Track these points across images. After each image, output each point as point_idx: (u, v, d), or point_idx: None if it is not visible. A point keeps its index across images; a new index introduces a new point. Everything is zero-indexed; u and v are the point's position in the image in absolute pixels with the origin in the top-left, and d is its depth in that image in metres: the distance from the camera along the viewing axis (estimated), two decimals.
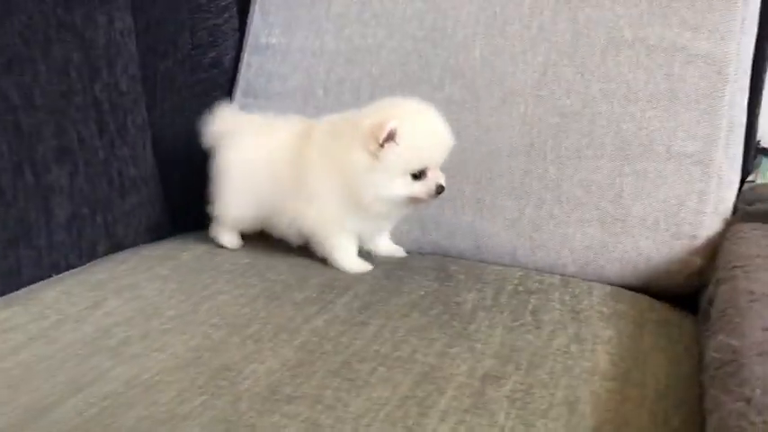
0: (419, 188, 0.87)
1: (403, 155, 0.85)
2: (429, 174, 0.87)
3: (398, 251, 1.01)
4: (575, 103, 0.97)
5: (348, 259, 0.94)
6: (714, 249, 0.89)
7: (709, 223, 0.91)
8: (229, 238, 1.01)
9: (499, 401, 0.62)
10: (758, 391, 0.48)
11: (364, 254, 0.97)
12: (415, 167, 0.86)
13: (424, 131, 0.87)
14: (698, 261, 0.91)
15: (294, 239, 0.96)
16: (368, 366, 0.67)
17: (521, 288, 0.88)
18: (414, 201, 0.89)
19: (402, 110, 0.88)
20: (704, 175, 0.91)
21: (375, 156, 0.85)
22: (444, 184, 0.88)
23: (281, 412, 0.60)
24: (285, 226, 0.95)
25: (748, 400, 0.47)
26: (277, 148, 0.95)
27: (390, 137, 0.84)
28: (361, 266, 0.93)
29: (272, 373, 0.66)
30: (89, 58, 0.97)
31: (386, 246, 1.00)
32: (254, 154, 0.97)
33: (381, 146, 0.84)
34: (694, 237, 0.91)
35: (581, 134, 0.96)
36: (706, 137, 0.92)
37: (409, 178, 0.87)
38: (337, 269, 0.93)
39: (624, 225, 0.93)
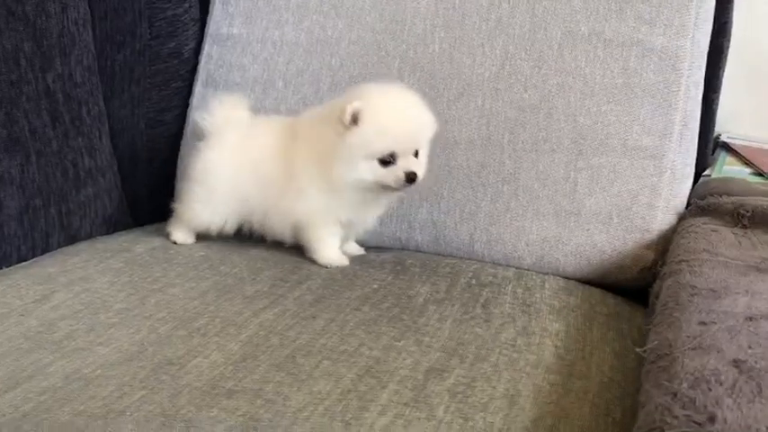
0: (385, 174, 0.86)
1: (365, 138, 0.84)
2: (399, 161, 0.85)
3: (358, 250, 1.00)
4: (532, 96, 0.97)
5: (329, 252, 0.93)
6: (666, 244, 0.89)
7: (662, 217, 0.92)
8: (183, 236, 1.00)
9: (440, 395, 0.62)
10: (685, 385, 0.48)
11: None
12: (380, 152, 0.85)
13: (388, 115, 0.86)
14: (651, 255, 0.91)
15: (282, 237, 0.95)
16: (312, 360, 0.67)
17: (474, 281, 0.88)
18: (383, 187, 0.87)
19: (371, 93, 0.87)
20: (657, 169, 0.92)
21: (342, 139, 0.85)
22: (419, 173, 0.86)
23: (220, 406, 0.59)
24: (274, 224, 0.94)
25: (675, 394, 0.47)
26: (261, 148, 0.94)
27: (354, 120, 0.84)
28: (340, 260, 0.93)
29: (215, 368, 0.66)
30: (41, 47, 0.96)
31: (348, 246, 0.99)
32: (237, 157, 0.96)
33: (347, 129, 0.84)
34: (647, 231, 0.92)
35: (538, 128, 0.96)
36: (660, 131, 0.93)
37: (376, 163, 0.85)
38: (294, 261, 0.92)
39: (578, 219, 0.94)
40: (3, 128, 0.91)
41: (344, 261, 0.93)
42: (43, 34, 0.96)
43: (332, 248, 0.93)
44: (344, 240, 0.97)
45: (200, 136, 1.01)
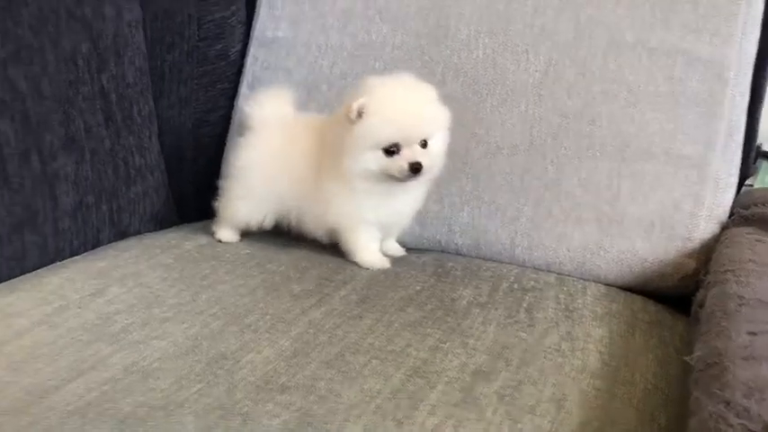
0: (390, 164, 0.87)
1: (369, 129, 0.86)
2: (403, 151, 0.87)
3: (399, 251, 1.01)
4: (575, 103, 0.98)
5: (368, 255, 0.94)
6: (709, 253, 0.90)
7: (705, 226, 0.92)
8: (228, 235, 1.02)
9: (488, 397, 0.63)
10: (738, 394, 0.49)
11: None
12: (384, 142, 0.87)
13: (390, 106, 0.87)
14: (692, 264, 0.92)
15: (319, 237, 0.97)
16: (361, 358, 0.69)
17: (516, 286, 0.89)
18: (389, 177, 0.88)
19: (376, 85, 0.89)
20: (701, 178, 0.92)
21: (349, 132, 0.87)
22: (423, 163, 0.87)
23: (275, 401, 0.61)
24: (311, 223, 0.96)
25: (728, 403, 0.48)
26: (297, 148, 0.96)
27: (360, 112, 0.86)
28: (381, 262, 0.94)
29: (268, 363, 0.68)
30: (97, 48, 0.98)
31: (389, 246, 1.01)
32: (274, 154, 0.98)
33: (354, 123, 0.86)
34: (689, 239, 0.92)
35: (581, 134, 0.97)
36: (704, 140, 0.93)
37: (381, 153, 0.87)
38: (338, 262, 0.94)
39: (620, 226, 0.94)
40: (60, 126, 0.94)
41: (385, 263, 0.94)
42: (99, 36, 0.99)
43: (371, 251, 0.95)
44: (384, 240, 0.99)
45: (241, 131, 1.03)
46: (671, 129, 0.94)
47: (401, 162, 0.87)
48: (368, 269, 0.93)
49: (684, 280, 0.92)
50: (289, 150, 0.97)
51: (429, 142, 0.89)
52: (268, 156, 0.98)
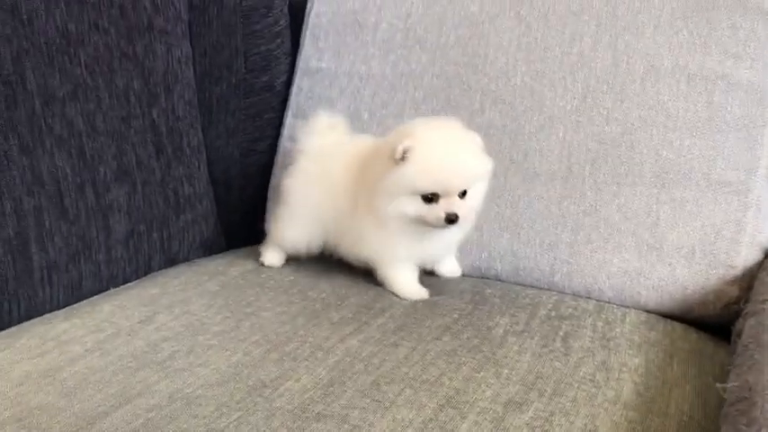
0: (427, 212, 0.87)
1: (409, 175, 0.86)
2: (442, 200, 0.87)
3: (454, 272, 1.01)
4: (614, 129, 0.98)
5: (405, 286, 0.94)
6: (751, 280, 0.89)
7: (747, 253, 0.91)
8: (272, 258, 1.05)
9: (519, 428, 0.64)
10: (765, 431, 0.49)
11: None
12: (423, 190, 0.87)
13: (433, 155, 0.87)
14: (735, 291, 0.91)
15: (358, 264, 0.98)
16: (396, 388, 0.71)
17: (554, 313, 0.90)
18: (425, 223, 0.89)
19: (422, 131, 0.89)
20: (742, 204, 0.91)
21: (389, 173, 0.88)
22: (460, 214, 0.87)
23: (310, 429, 0.63)
24: (348, 252, 0.98)
25: None
26: (339, 175, 0.97)
27: (402, 156, 0.86)
28: (419, 293, 0.94)
29: (305, 391, 0.70)
30: (148, 85, 1.03)
31: (444, 268, 1.01)
32: (319, 180, 0.99)
33: (396, 165, 0.87)
34: (731, 266, 0.91)
35: (619, 161, 0.97)
36: (745, 166, 0.92)
37: (419, 199, 0.87)
38: (378, 290, 0.95)
39: (660, 252, 0.94)
40: (113, 160, 0.99)
41: (423, 294, 0.94)
42: (150, 73, 1.04)
43: (407, 283, 0.95)
44: (431, 264, 0.99)
45: (294, 157, 1.05)
46: (711, 155, 0.93)
47: (438, 211, 0.87)
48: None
49: (727, 308, 0.91)
50: (331, 177, 0.98)
51: (468, 192, 0.89)
52: (313, 182, 1.00)
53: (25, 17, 0.87)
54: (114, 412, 0.66)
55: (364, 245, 0.94)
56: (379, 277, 0.96)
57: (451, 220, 0.87)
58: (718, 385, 0.60)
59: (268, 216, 1.20)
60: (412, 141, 0.87)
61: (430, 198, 0.87)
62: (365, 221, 0.93)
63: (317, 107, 1.18)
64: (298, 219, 1.01)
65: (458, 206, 0.87)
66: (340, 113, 1.15)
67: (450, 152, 0.87)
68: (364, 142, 1.00)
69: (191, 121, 1.12)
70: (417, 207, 0.88)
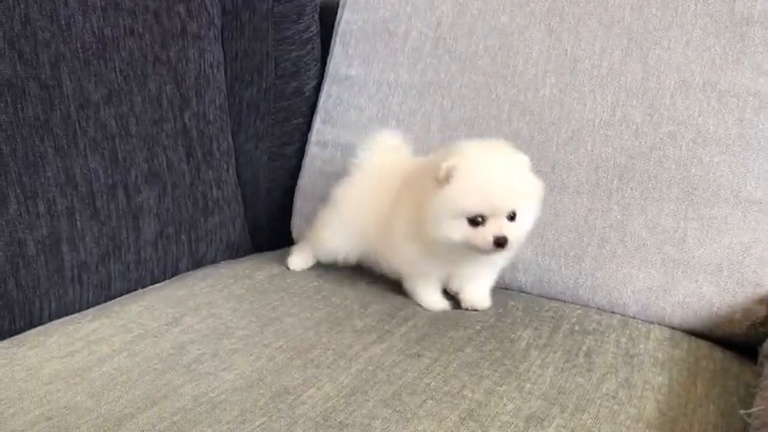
0: (474, 235, 0.84)
1: (455, 197, 0.84)
2: (489, 223, 0.84)
3: (483, 303, 0.94)
4: (642, 144, 0.98)
5: (428, 297, 0.94)
6: None
7: None
8: (299, 262, 1.07)
9: None
10: None
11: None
12: (469, 212, 0.84)
13: (479, 177, 0.84)
14: (763, 310, 0.90)
15: (391, 275, 0.98)
16: (417, 399, 0.71)
17: (577, 328, 0.89)
18: (472, 248, 0.85)
19: (469, 152, 0.86)
20: None
21: (435, 195, 0.85)
22: (510, 237, 0.83)
23: None
24: (383, 266, 0.99)
25: None
26: (387, 189, 0.96)
27: (447, 177, 0.84)
28: (440, 305, 0.93)
29: (327, 399, 0.71)
30: (180, 89, 1.05)
31: (471, 294, 0.95)
32: (365, 194, 1.00)
33: (441, 186, 0.85)
34: (758, 285, 0.90)
35: (647, 176, 0.97)
36: None
37: (465, 222, 0.84)
38: (401, 298, 0.96)
39: (687, 269, 0.93)
40: (144, 162, 1.00)
41: (445, 305, 0.93)
42: (183, 77, 1.05)
43: (430, 293, 0.95)
44: (467, 285, 0.95)
45: (350, 169, 1.05)
46: (741, 172, 0.92)
47: (486, 234, 0.83)
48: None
49: (754, 327, 0.90)
50: (378, 192, 0.98)
51: (518, 215, 0.86)
52: (363, 196, 1.00)
53: (63, 22, 0.89)
54: (140, 414, 0.67)
55: (395, 257, 0.94)
56: (405, 287, 0.97)
57: (500, 243, 0.83)
58: (742, 412, 0.60)
59: (294, 220, 1.22)
60: (457, 160, 0.84)
61: (477, 221, 0.84)
62: (401, 234, 0.92)
63: (345, 113, 1.20)
64: (343, 228, 1.01)
65: (507, 229, 0.84)
66: (367, 121, 1.17)
67: (496, 171, 0.84)
68: (417, 162, 0.97)
69: (221, 126, 1.13)
70: (463, 230, 0.84)
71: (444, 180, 0.84)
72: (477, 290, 0.95)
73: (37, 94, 0.87)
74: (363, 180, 1.02)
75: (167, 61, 1.03)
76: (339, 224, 1.02)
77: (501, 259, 0.94)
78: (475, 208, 0.84)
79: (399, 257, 0.94)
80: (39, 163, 0.88)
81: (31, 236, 0.87)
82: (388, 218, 0.94)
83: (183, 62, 1.05)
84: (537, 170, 1.02)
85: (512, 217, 0.85)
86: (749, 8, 0.94)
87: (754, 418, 0.58)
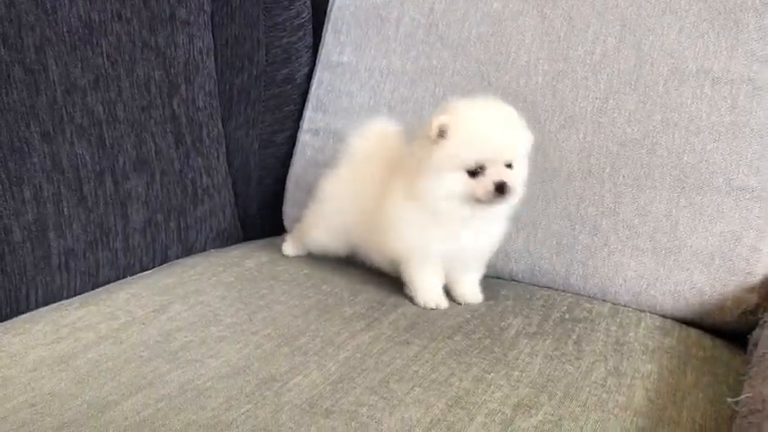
0: (474, 185, 0.83)
1: (452, 149, 0.83)
2: (489, 171, 0.83)
3: (475, 298, 0.93)
4: (635, 131, 0.97)
5: (426, 292, 0.90)
6: None
7: (766, 261, 0.89)
8: (292, 250, 1.06)
9: (527, 431, 0.64)
10: None
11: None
12: (467, 163, 0.83)
13: (474, 126, 0.84)
14: (753, 299, 0.89)
15: (387, 269, 0.95)
16: (405, 386, 0.71)
17: (567, 316, 0.89)
18: (473, 199, 0.84)
19: (458, 107, 0.86)
20: (763, 211, 0.90)
21: (430, 153, 0.84)
22: (510, 183, 0.83)
23: (318, 425, 0.64)
24: (374, 257, 0.96)
25: None
26: (368, 177, 0.95)
27: (441, 134, 0.84)
28: (438, 302, 0.90)
29: (314, 386, 0.70)
30: (169, 75, 1.04)
31: (465, 290, 0.94)
32: (348, 185, 0.98)
33: (435, 143, 0.84)
34: (750, 274, 0.90)
35: (640, 163, 0.96)
36: None
37: (465, 175, 0.84)
38: (391, 286, 0.94)
39: (678, 257, 0.93)
40: (132, 149, 0.99)
41: (443, 303, 0.90)
42: (171, 63, 1.04)
43: (429, 287, 0.91)
44: (459, 281, 0.94)
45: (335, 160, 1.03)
46: (733, 160, 0.92)
47: (486, 183, 0.83)
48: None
49: (745, 315, 0.90)
50: (361, 181, 0.96)
51: (514, 166, 0.86)
52: (346, 187, 0.99)
53: (49, 6, 0.88)
54: (125, 401, 0.67)
55: (392, 240, 0.90)
56: (403, 277, 0.92)
57: (502, 189, 0.83)
58: (729, 400, 0.59)
59: (285, 208, 1.21)
60: (449, 116, 0.84)
61: (476, 172, 0.84)
62: (396, 213, 0.89)
63: (337, 100, 1.19)
64: (330, 223, 1.00)
65: (506, 175, 0.84)
66: (359, 108, 1.16)
67: (493, 119, 0.85)
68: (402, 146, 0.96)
69: (210, 112, 1.12)
70: (465, 183, 0.84)
71: (439, 136, 0.84)
72: (470, 283, 0.94)
73: (22, 78, 0.86)
74: (348, 171, 1.00)
75: (155, 47, 1.02)
76: (325, 219, 1.01)
77: (504, 210, 0.90)
78: (475, 157, 0.83)
79: (398, 239, 0.90)
80: (24, 149, 0.87)
81: (17, 222, 0.86)
82: (377, 204, 0.92)
83: (172, 48, 1.04)
84: (529, 158, 1.02)
85: (509, 166, 0.85)
86: None
87: (741, 406, 0.58)
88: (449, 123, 0.84)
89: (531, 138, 0.89)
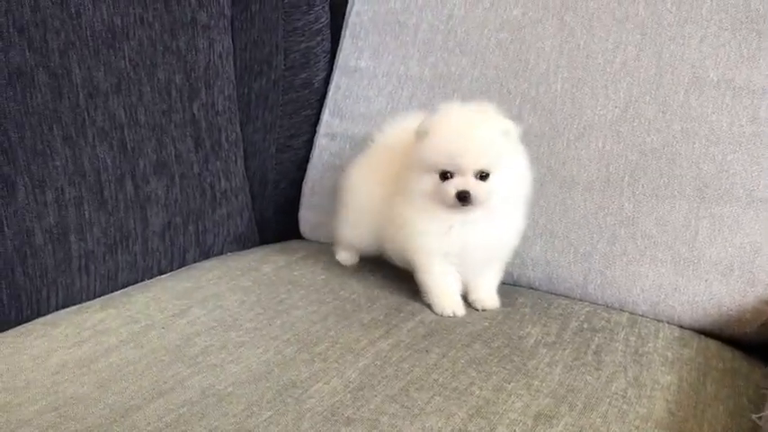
0: (439, 189, 0.86)
1: (427, 152, 0.87)
2: (455, 178, 0.85)
3: (492, 302, 0.93)
4: (655, 140, 0.97)
5: (443, 299, 0.90)
6: None
7: None
8: (345, 256, 1.06)
9: None
10: None
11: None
12: (436, 166, 0.86)
13: (445, 132, 0.86)
14: None
15: (404, 266, 0.95)
16: (425, 395, 0.71)
17: (586, 325, 0.89)
18: (439, 201, 0.86)
19: (447, 111, 0.89)
20: None
21: (413, 151, 0.88)
22: (472, 193, 0.84)
23: None
24: (394, 256, 0.96)
25: None
26: (384, 173, 0.96)
27: (422, 134, 0.87)
28: (455, 309, 0.89)
29: (335, 394, 0.70)
30: (189, 79, 1.04)
31: (481, 295, 0.93)
32: (368, 181, 0.99)
33: (419, 142, 0.88)
34: None
35: (659, 173, 0.96)
36: None
37: (436, 177, 0.86)
38: (409, 292, 0.94)
39: (697, 268, 0.93)
40: (153, 152, 1.00)
41: (459, 310, 0.89)
42: (192, 67, 1.05)
43: (446, 296, 0.90)
44: (475, 288, 0.93)
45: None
46: (754, 170, 0.91)
47: (449, 188, 0.85)
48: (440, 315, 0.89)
49: (764, 327, 0.89)
50: (382, 177, 0.96)
51: (492, 176, 0.86)
52: (363, 181, 0.99)
53: (73, 10, 0.89)
54: (147, 406, 0.67)
55: (402, 239, 0.92)
56: (418, 284, 0.92)
57: (462, 197, 0.84)
58: (753, 416, 0.59)
59: (302, 212, 1.21)
60: (432, 119, 0.88)
61: (446, 176, 0.86)
62: (399, 212, 0.91)
63: (354, 106, 1.19)
64: (352, 219, 1.01)
65: (472, 185, 0.85)
66: (376, 113, 1.16)
67: (464, 128, 0.86)
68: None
69: (229, 116, 1.13)
70: (435, 184, 0.87)
71: (423, 136, 0.87)
72: (487, 289, 0.93)
73: (46, 82, 0.86)
74: (371, 165, 1.00)
75: (177, 51, 1.02)
76: (346, 214, 1.01)
77: (501, 227, 0.90)
78: (441, 163, 0.86)
79: (405, 237, 0.91)
80: (47, 152, 0.87)
81: (39, 225, 0.87)
82: (390, 201, 0.93)
83: (193, 52, 1.05)
84: (547, 166, 1.02)
85: (483, 176, 0.86)
86: (766, 4, 0.93)
87: (764, 421, 0.57)
88: (429, 126, 0.87)
89: (516, 151, 0.89)
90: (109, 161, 0.94)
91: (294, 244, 1.17)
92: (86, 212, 0.92)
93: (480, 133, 0.86)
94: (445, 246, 0.90)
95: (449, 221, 0.89)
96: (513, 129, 0.88)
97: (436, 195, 0.87)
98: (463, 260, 0.91)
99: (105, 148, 0.94)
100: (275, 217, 1.24)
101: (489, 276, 0.94)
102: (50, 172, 0.88)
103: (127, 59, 0.95)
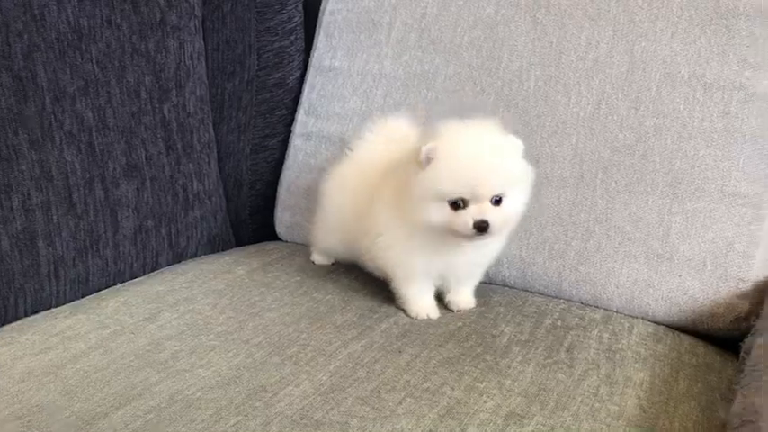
0: (454, 219, 0.79)
1: (435, 180, 0.79)
2: (471, 207, 0.80)
3: (469, 303, 0.92)
4: (627, 137, 0.97)
5: (417, 304, 0.88)
6: (763, 295, 0.87)
7: (759, 267, 0.89)
8: (320, 257, 1.05)
9: None
10: None
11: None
12: (449, 196, 0.79)
13: (459, 158, 0.79)
14: (745, 305, 0.89)
15: (379, 275, 0.93)
16: (396, 396, 0.70)
17: (560, 323, 0.89)
18: (453, 233, 0.81)
19: (450, 133, 0.81)
20: (756, 217, 0.90)
21: (416, 178, 0.81)
22: (492, 222, 0.79)
23: None
24: (368, 264, 0.93)
25: None
26: (363, 179, 0.92)
27: (428, 159, 0.80)
28: (429, 312, 0.88)
29: (305, 397, 0.70)
30: (159, 81, 1.03)
31: (459, 298, 0.91)
32: (344, 183, 0.96)
33: (422, 169, 0.80)
34: (742, 280, 0.90)
35: (632, 169, 0.96)
36: (761, 178, 0.90)
37: (447, 206, 0.80)
38: (384, 294, 0.92)
39: (671, 263, 0.93)
40: (123, 156, 0.99)
41: (434, 313, 0.88)
42: (162, 69, 1.04)
43: (421, 300, 0.88)
44: (452, 291, 0.91)
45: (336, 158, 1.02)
46: (725, 166, 0.91)
47: (466, 218, 0.79)
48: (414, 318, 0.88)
49: (737, 322, 0.89)
50: (360, 181, 0.93)
51: (504, 200, 0.81)
52: (344, 187, 0.96)
53: (37, 12, 0.87)
54: (114, 413, 0.66)
55: (383, 256, 0.88)
56: (393, 289, 0.90)
57: (481, 228, 0.78)
58: (721, 414, 0.59)
59: (278, 213, 1.20)
60: (436, 142, 0.79)
61: (459, 205, 0.80)
62: (386, 230, 0.86)
63: (329, 105, 1.18)
64: (328, 224, 0.99)
65: (489, 213, 0.79)
66: (351, 113, 1.15)
67: (479, 152, 0.79)
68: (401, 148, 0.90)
69: (202, 118, 1.12)
70: (445, 215, 0.80)
71: (425, 163, 0.80)
72: (464, 291, 0.92)
73: (10, 85, 0.85)
74: (349, 169, 0.98)
75: (146, 52, 1.01)
76: (322, 218, 1.01)
77: (489, 250, 0.89)
78: (454, 191, 0.79)
79: (387, 256, 0.88)
80: (12, 156, 0.86)
81: (4, 231, 0.86)
82: (370, 210, 0.89)
83: (163, 53, 1.04)
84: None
85: (497, 201, 0.81)
86: (734, 0, 0.93)
87: (733, 415, 0.57)
88: (436, 150, 0.79)
89: (528, 170, 0.84)
90: (77, 165, 0.93)
91: (269, 245, 1.16)
92: (54, 217, 0.90)
93: (496, 158, 0.80)
94: (432, 268, 0.88)
95: (448, 250, 0.85)
96: (521, 147, 0.83)
97: (449, 227, 0.80)
98: (446, 277, 0.90)
99: (73, 152, 0.92)
100: (251, 218, 1.23)
101: (468, 282, 0.93)
102: (16, 176, 0.86)
103: (94, 62, 0.94)
